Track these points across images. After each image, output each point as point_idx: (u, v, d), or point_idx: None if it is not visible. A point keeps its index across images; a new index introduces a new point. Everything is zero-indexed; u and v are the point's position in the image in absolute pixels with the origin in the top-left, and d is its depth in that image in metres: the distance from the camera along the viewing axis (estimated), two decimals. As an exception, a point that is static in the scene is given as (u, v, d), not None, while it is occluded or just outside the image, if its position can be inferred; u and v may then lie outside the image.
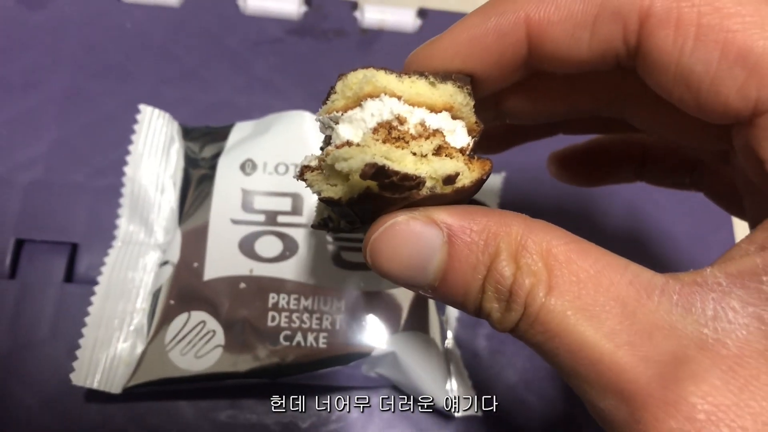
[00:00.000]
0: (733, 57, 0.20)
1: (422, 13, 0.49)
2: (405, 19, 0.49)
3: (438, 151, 0.22)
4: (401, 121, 0.22)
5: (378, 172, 0.20)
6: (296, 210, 0.36)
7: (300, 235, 0.36)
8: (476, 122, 0.24)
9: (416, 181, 0.21)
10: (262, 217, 0.36)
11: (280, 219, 0.36)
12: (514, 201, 0.42)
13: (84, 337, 0.35)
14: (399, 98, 0.22)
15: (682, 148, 0.33)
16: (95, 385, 0.34)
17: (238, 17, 0.47)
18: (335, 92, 0.22)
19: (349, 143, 0.21)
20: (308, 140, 0.37)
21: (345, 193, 0.21)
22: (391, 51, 0.48)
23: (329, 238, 0.36)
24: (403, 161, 0.21)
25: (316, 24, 0.48)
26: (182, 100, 0.43)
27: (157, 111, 0.39)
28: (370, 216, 0.23)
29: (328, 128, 0.23)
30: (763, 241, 0.19)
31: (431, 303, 0.37)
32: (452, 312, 0.39)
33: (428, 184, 0.21)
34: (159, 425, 0.36)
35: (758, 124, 0.20)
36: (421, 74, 0.23)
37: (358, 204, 0.22)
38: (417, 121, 0.22)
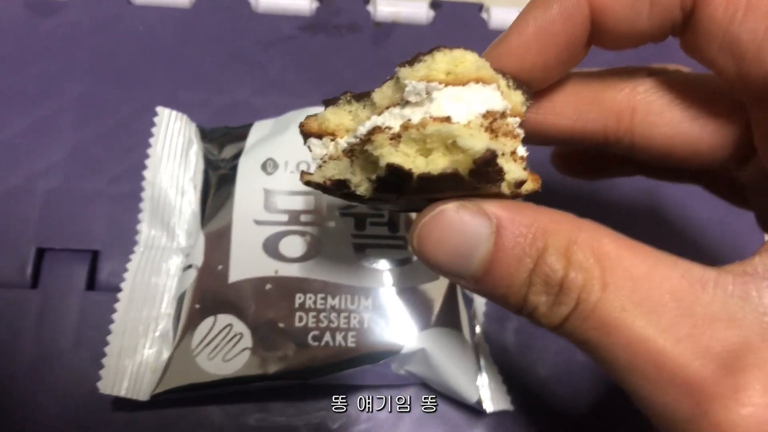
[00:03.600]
0: None
1: (435, 4, 0.49)
2: (418, 11, 0.48)
3: (511, 153, 0.22)
4: (504, 116, 0.22)
5: (491, 160, 0.20)
6: (319, 208, 0.36)
7: (324, 234, 0.35)
8: None
9: (500, 179, 0.21)
10: (285, 217, 0.35)
11: (303, 218, 0.35)
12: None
13: (109, 345, 0.34)
14: (502, 93, 0.22)
15: None
16: (123, 393, 0.34)
17: (250, 16, 0.47)
18: (433, 62, 0.21)
19: (449, 120, 0.21)
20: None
21: (419, 166, 0.21)
22: (405, 44, 0.47)
23: (353, 236, 0.36)
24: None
25: (328, 19, 0.47)
26: (198, 102, 0.43)
27: (174, 113, 0.39)
28: (418, 197, 0.23)
29: (416, 95, 0.21)
30: None
31: (460, 298, 0.36)
32: (479, 307, 0.38)
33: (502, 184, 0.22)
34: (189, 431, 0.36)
35: None
36: (503, 75, 0.23)
37: (424, 181, 0.21)
38: (511, 121, 0.22)
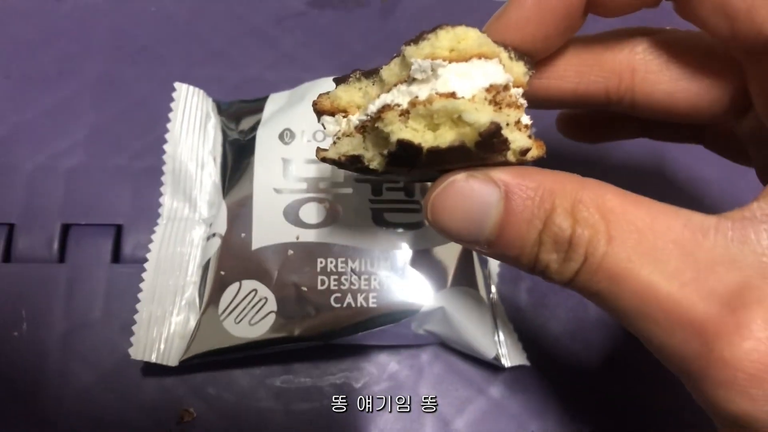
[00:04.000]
0: None
1: (440, -22, 0.50)
2: (424, -16, 0.49)
3: (516, 123, 0.23)
4: (507, 88, 0.23)
5: (496, 132, 0.21)
6: (336, 175, 0.37)
7: (342, 200, 0.36)
8: None
9: (506, 149, 0.22)
10: (304, 185, 0.36)
11: (322, 185, 0.37)
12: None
13: (138, 313, 0.35)
14: (503, 66, 0.23)
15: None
16: (153, 359, 0.35)
17: (259, -6, 0.48)
18: (437, 39, 0.22)
19: (454, 95, 0.22)
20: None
21: (428, 140, 0.22)
22: (411, 17, 0.48)
23: (370, 201, 0.37)
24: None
25: (336, -5, 0.48)
26: (213, 78, 0.44)
27: (192, 88, 0.40)
28: (429, 169, 0.24)
29: (422, 72, 0.23)
30: None
31: (475, 259, 0.37)
32: (494, 267, 0.40)
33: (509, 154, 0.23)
34: (216, 394, 0.37)
35: None
36: (505, 47, 0.25)
37: (433, 154, 0.22)
38: (514, 93, 0.24)
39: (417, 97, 0.22)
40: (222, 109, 0.40)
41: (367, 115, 0.24)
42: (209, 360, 0.35)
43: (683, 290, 0.21)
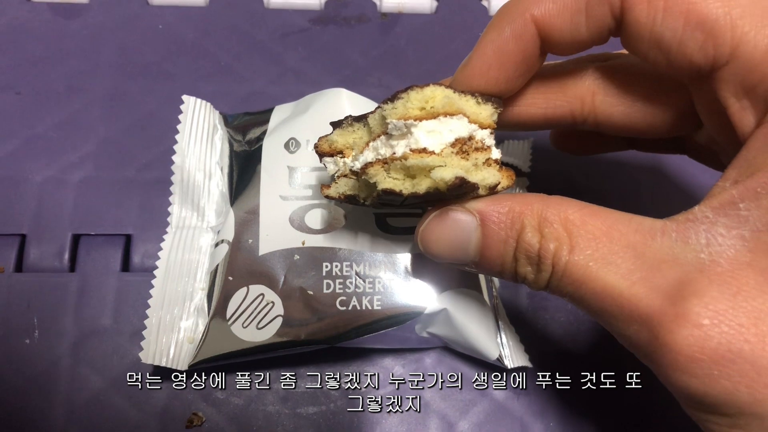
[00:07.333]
0: (693, 23, 0.24)
1: (438, -5, 0.51)
2: (422, 1, 0.50)
3: (485, 161, 0.28)
4: (471, 138, 0.27)
5: (461, 183, 0.25)
6: (340, 183, 0.38)
7: (347, 206, 0.37)
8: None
9: (475, 189, 0.27)
10: (309, 192, 0.37)
11: (327, 192, 0.38)
12: (542, 163, 0.44)
13: (148, 318, 0.36)
14: (468, 118, 0.27)
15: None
16: (163, 363, 0.35)
17: (263, 12, 0.49)
18: (409, 101, 0.26)
19: (425, 150, 0.26)
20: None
21: (407, 187, 0.27)
22: (411, 33, 0.49)
23: (373, 207, 0.38)
24: (469, 172, 0.27)
25: (337, 12, 0.50)
26: (219, 93, 0.45)
27: (199, 101, 0.41)
28: (415, 205, 0.29)
29: (397, 130, 0.26)
30: (734, 176, 0.24)
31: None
32: (495, 272, 0.41)
33: (479, 190, 0.27)
34: (225, 398, 0.38)
35: (717, 77, 0.25)
36: (472, 94, 0.28)
37: (414, 197, 0.27)
38: (479, 138, 0.28)
39: (395, 153, 0.27)
40: (228, 122, 0.41)
41: (355, 169, 0.29)
42: (218, 364, 0.36)
43: (632, 288, 0.23)
